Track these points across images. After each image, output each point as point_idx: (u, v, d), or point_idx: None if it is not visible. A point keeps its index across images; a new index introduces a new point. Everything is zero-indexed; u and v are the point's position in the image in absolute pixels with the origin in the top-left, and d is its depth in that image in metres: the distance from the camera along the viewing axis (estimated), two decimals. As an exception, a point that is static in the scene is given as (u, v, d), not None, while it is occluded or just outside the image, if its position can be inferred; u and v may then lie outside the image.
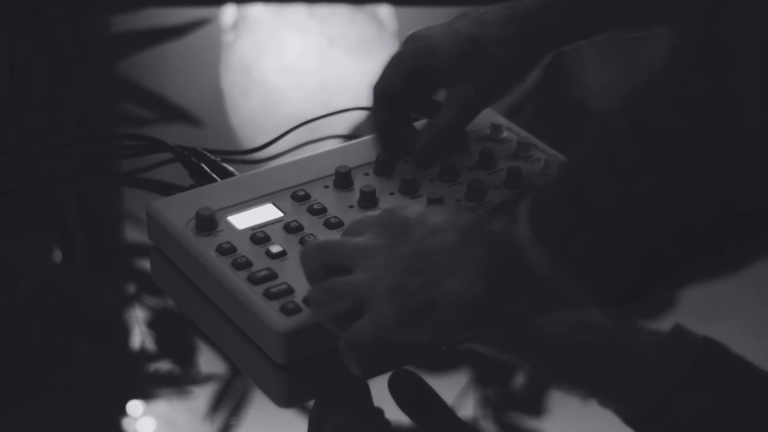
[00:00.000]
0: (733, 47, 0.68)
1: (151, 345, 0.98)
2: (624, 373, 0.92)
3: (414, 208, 0.86)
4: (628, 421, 0.88)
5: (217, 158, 1.10)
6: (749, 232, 0.73)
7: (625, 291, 0.76)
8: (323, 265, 0.87)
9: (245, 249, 0.96)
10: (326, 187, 1.03)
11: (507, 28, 1.02)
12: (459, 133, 1.06)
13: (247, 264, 0.94)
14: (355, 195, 1.02)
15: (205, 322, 0.97)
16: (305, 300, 0.91)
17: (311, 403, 0.90)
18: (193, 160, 1.10)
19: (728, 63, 0.68)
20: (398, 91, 1.03)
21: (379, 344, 0.83)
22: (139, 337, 0.99)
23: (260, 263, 0.95)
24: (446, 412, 0.90)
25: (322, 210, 1.00)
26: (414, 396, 0.91)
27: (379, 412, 0.89)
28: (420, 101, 1.06)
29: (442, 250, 0.82)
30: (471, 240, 0.81)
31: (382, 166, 1.05)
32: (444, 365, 0.94)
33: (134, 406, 0.92)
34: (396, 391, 0.90)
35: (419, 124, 1.07)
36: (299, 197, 1.02)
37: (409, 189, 1.03)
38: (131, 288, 1.07)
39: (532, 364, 0.94)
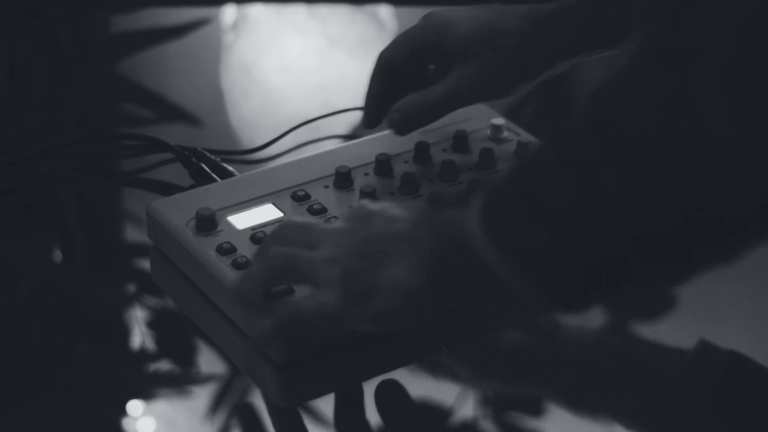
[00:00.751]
0: (697, 51, 0.68)
1: (151, 345, 0.98)
2: (647, 397, 0.91)
3: (384, 203, 0.86)
4: None
5: (217, 158, 1.10)
6: (711, 239, 0.72)
7: (569, 292, 0.75)
8: (292, 244, 0.87)
9: (245, 249, 0.96)
10: (326, 187, 1.03)
11: (526, 23, 1.00)
12: (444, 112, 1.03)
13: (247, 264, 0.94)
14: (355, 195, 1.02)
15: (205, 322, 0.97)
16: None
17: (311, 402, 0.90)
18: (193, 160, 1.10)
19: (691, 66, 0.68)
20: (404, 64, 1.02)
21: (316, 324, 0.85)
22: (139, 337, 0.99)
23: (260, 263, 0.95)
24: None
25: (322, 210, 1.01)
26: (399, 406, 0.91)
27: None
28: (422, 80, 1.04)
29: (393, 237, 0.82)
30: (421, 228, 0.81)
31: (382, 166, 1.05)
32: (444, 365, 0.94)
33: (134, 406, 0.92)
34: (381, 401, 0.90)
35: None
36: (299, 197, 1.02)
37: (409, 189, 1.03)
38: (131, 288, 1.07)
39: (550, 392, 0.92)
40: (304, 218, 0.92)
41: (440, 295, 0.81)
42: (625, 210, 0.71)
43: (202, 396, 0.92)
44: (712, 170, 0.69)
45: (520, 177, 0.76)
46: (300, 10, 1.40)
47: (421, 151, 1.07)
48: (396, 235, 0.82)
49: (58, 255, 1.10)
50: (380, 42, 1.38)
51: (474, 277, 0.78)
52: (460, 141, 1.09)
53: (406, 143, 1.08)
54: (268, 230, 0.98)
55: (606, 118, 0.72)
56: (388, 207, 0.85)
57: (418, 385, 0.92)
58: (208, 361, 0.95)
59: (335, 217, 1.00)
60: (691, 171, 0.69)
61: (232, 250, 0.96)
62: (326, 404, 0.90)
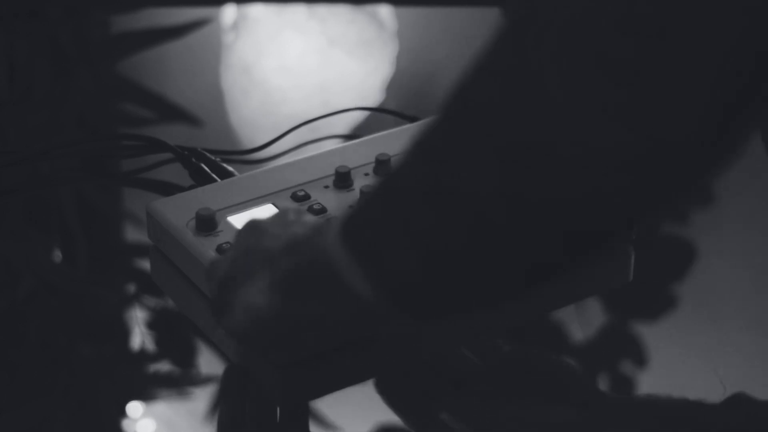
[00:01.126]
0: (539, 19, 0.65)
1: (151, 345, 0.98)
2: None
3: (288, 216, 0.85)
4: None
5: (217, 158, 1.10)
6: (557, 234, 0.68)
7: (414, 293, 0.73)
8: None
9: (245, 249, 0.96)
10: (326, 187, 1.03)
11: None
12: None
13: (247, 264, 0.94)
14: (355, 195, 1.02)
15: (205, 322, 0.97)
16: None
17: (311, 402, 0.90)
18: (193, 160, 1.10)
19: (533, 35, 0.65)
20: None
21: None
22: (139, 337, 0.99)
23: (260, 263, 0.95)
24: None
25: (322, 210, 1.00)
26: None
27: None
28: None
29: (260, 253, 0.81)
30: (287, 248, 0.80)
31: (382, 166, 1.05)
32: (444, 365, 0.94)
33: (134, 407, 0.92)
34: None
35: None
36: (299, 197, 1.02)
37: (409, 189, 1.03)
38: (131, 288, 1.07)
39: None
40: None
41: (288, 319, 0.80)
42: (462, 192, 0.68)
43: (201, 397, 0.92)
44: (553, 150, 0.65)
45: (379, 195, 0.74)
46: (300, 10, 1.40)
47: (421, 151, 1.07)
48: (263, 253, 0.81)
49: (58, 255, 1.10)
50: (380, 42, 1.38)
51: (329, 294, 0.76)
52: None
53: (406, 143, 1.08)
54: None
55: (458, 94, 0.69)
56: (283, 223, 0.83)
57: (419, 385, 0.92)
58: (208, 362, 0.95)
59: (335, 217, 0.99)
60: (532, 148, 0.66)
61: (232, 250, 0.96)
62: (326, 404, 0.90)
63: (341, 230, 0.74)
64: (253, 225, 0.84)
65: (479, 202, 0.68)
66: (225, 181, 1.05)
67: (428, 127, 0.71)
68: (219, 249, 0.95)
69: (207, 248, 0.96)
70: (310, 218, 0.84)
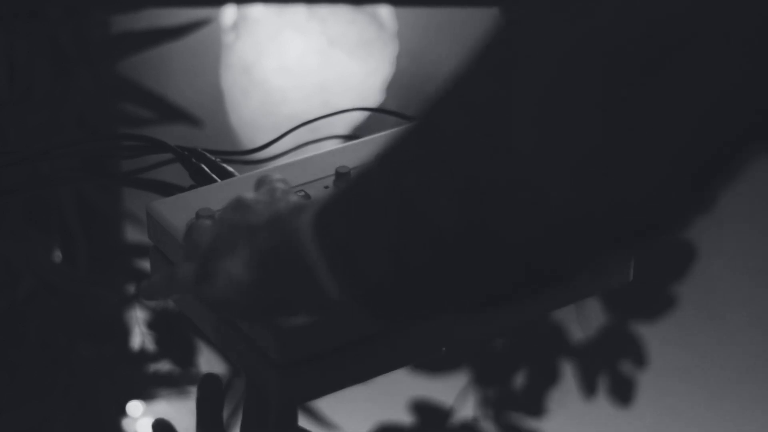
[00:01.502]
0: (522, 58, 0.64)
1: (151, 345, 0.98)
2: None
3: (275, 193, 0.86)
4: None
5: (217, 158, 1.10)
6: (511, 267, 0.68)
7: (379, 297, 0.73)
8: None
9: (245, 249, 0.96)
10: (326, 187, 1.03)
11: None
12: None
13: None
14: (355, 195, 1.02)
15: (205, 323, 0.97)
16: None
17: (311, 402, 0.90)
18: (193, 160, 1.10)
19: (513, 73, 0.65)
20: None
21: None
22: (139, 337, 0.99)
23: (260, 263, 0.94)
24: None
25: (322, 210, 1.00)
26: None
27: None
28: None
29: (244, 227, 0.82)
30: (266, 224, 0.81)
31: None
32: (444, 365, 0.94)
33: (134, 407, 0.92)
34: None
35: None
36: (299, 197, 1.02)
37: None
38: (131, 288, 1.07)
39: None
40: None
41: (265, 293, 0.81)
42: (423, 212, 0.68)
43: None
44: (513, 189, 0.65)
45: (353, 189, 0.74)
46: (300, 10, 1.40)
47: (421, 151, 1.07)
48: (246, 227, 0.82)
49: (58, 255, 1.10)
50: (380, 42, 1.38)
51: (295, 272, 0.77)
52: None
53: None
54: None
55: (430, 115, 0.69)
56: (269, 200, 0.84)
57: (418, 385, 0.92)
58: (208, 361, 0.95)
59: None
60: (493, 184, 0.65)
61: (232, 250, 0.96)
62: (326, 404, 0.90)
63: (313, 221, 0.75)
64: (239, 201, 0.85)
65: (439, 225, 0.68)
66: (225, 181, 1.05)
67: (403, 133, 0.71)
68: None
69: (207, 248, 0.96)
70: (293, 197, 0.85)
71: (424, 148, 0.69)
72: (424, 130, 0.70)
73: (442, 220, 0.67)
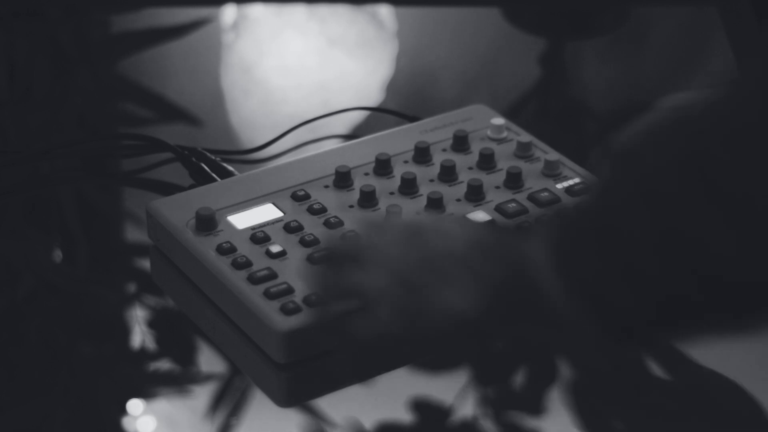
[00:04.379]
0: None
1: (151, 344, 0.98)
2: None
3: (430, 215, 0.85)
4: None
5: (217, 158, 1.10)
6: None
7: (631, 328, 0.74)
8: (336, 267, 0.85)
9: (245, 249, 0.96)
10: (326, 187, 1.03)
11: None
12: None
13: (247, 264, 0.94)
14: (355, 195, 1.03)
15: (205, 322, 0.97)
16: (306, 299, 0.91)
17: (311, 403, 0.90)
18: (193, 160, 1.10)
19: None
20: None
21: (375, 344, 0.82)
22: (139, 336, 0.99)
23: (260, 263, 0.95)
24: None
25: (322, 210, 1.01)
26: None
27: None
28: None
29: (448, 256, 0.79)
30: (479, 252, 0.79)
31: (382, 166, 1.05)
32: (444, 365, 0.94)
33: (134, 405, 0.92)
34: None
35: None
36: (299, 197, 1.02)
37: (409, 189, 1.03)
38: (131, 288, 1.07)
39: None
40: (351, 234, 0.89)
41: (497, 324, 0.79)
42: (700, 248, 0.68)
43: (202, 395, 0.92)
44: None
45: (593, 209, 0.73)
46: (300, 10, 1.40)
47: (421, 151, 1.07)
48: (451, 256, 0.79)
49: (58, 255, 1.10)
50: (380, 42, 1.38)
51: (534, 310, 0.76)
52: (460, 141, 1.09)
53: (405, 143, 1.08)
54: (268, 230, 0.98)
55: (695, 151, 0.68)
56: (438, 220, 0.84)
57: (419, 385, 0.92)
58: (208, 361, 0.95)
59: (335, 217, 0.99)
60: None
61: (232, 250, 0.96)
62: (326, 404, 0.90)
63: (554, 264, 0.74)
64: (412, 227, 0.82)
65: (715, 262, 0.68)
66: (225, 181, 1.05)
67: (649, 173, 0.70)
68: (219, 249, 0.95)
69: (207, 248, 0.96)
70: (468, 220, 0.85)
71: (690, 183, 0.68)
72: (688, 164, 0.68)
73: (722, 258, 0.68)
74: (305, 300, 0.91)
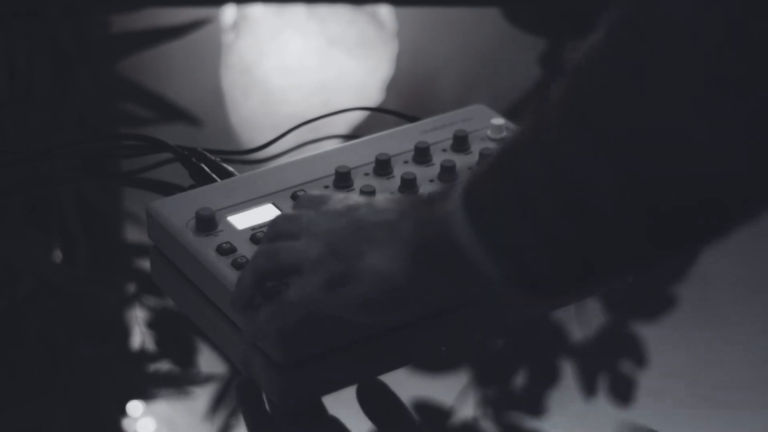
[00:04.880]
0: (665, 21, 0.66)
1: (151, 345, 0.98)
2: None
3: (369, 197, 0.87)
4: None
5: (217, 158, 1.10)
6: (673, 238, 0.71)
7: (553, 287, 0.75)
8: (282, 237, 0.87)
9: (245, 249, 0.96)
10: (326, 187, 1.03)
11: None
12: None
13: (247, 264, 0.94)
14: (355, 195, 1.02)
15: (205, 322, 0.97)
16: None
17: (311, 403, 0.90)
18: (193, 160, 1.10)
19: (657, 36, 0.66)
20: None
21: (301, 313, 0.85)
22: (139, 337, 0.99)
23: (260, 263, 0.95)
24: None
25: (322, 210, 1.00)
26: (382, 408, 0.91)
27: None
28: None
29: (376, 225, 0.82)
30: (404, 218, 0.81)
31: (382, 166, 1.05)
32: (444, 365, 0.94)
33: (134, 406, 0.92)
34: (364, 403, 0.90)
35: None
36: (299, 197, 1.02)
37: (409, 189, 1.03)
38: (131, 288, 1.07)
39: None
40: (296, 209, 0.91)
41: (420, 286, 0.81)
42: (577, 179, 0.70)
43: (202, 396, 0.92)
44: (671, 151, 0.67)
45: (497, 157, 0.75)
46: (300, 10, 1.40)
47: (421, 151, 1.07)
48: (380, 225, 0.82)
49: (58, 255, 1.10)
50: (380, 42, 1.38)
51: (455, 270, 0.77)
52: (460, 141, 1.09)
53: (405, 143, 1.08)
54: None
55: (572, 90, 0.70)
56: (374, 199, 0.86)
57: (419, 385, 0.92)
58: (208, 361, 0.95)
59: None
60: (645, 145, 0.67)
61: (232, 250, 0.96)
62: (326, 404, 0.90)
63: (462, 205, 0.75)
64: (348, 202, 0.85)
65: (594, 192, 0.69)
66: (225, 181, 1.05)
67: (541, 109, 0.72)
68: (219, 249, 0.95)
69: (207, 248, 0.96)
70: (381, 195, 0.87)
71: (570, 124, 0.70)
72: (566, 104, 0.70)
73: (600, 185, 0.69)
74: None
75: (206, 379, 0.94)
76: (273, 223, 0.89)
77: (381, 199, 0.85)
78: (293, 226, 0.87)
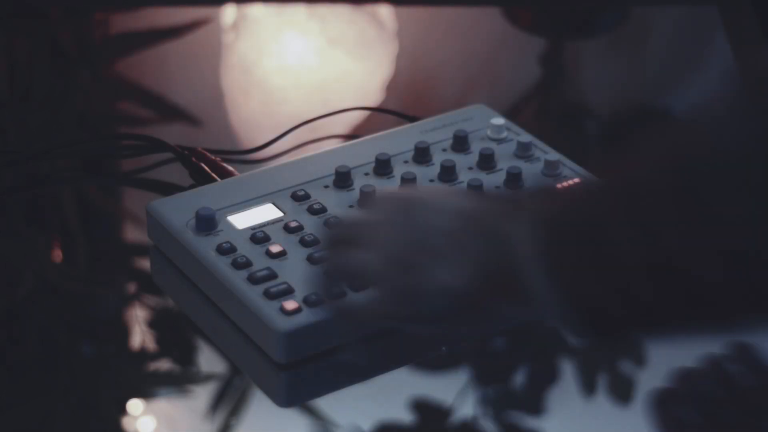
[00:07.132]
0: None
1: (151, 344, 0.98)
2: None
3: (421, 186, 0.86)
4: None
5: (217, 158, 1.10)
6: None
7: (613, 332, 0.75)
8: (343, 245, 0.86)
9: (245, 249, 0.96)
10: (326, 187, 1.03)
11: None
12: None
13: (247, 264, 0.94)
14: (355, 195, 1.03)
15: (205, 322, 0.97)
16: (306, 299, 0.91)
17: (311, 402, 0.90)
18: (193, 160, 1.10)
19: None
20: None
21: (371, 322, 0.85)
22: (139, 336, 0.99)
23: (260, 263, 0.95)
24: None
25: (322, 210, 1.01)
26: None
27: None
28: None
29: (440, 233, 0.80)
30: (470, 228, 0.80)
31: (382, 166, 1.05)
32: (444, 365, 0.94)
33: (134, 405, 0.92)
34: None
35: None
36: (299, 197, 1.02)
37: (409, 189, 1.03)
38: (131, 288, 1.07)
39: None
40: (348, 215, 0.90)
41: (483, 301, 0.80)
42: (691, 277, 0.71)
43: (202, 395, 0.92)
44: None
45: (584, 214, 0.75)
46: (300, 10, 1.40)
47: (421, 151, 1.07)
48: (441, 232, 0.80)
49: (58, 255, 1.10)
50: (380, 42, 1.38)
51: (515, 289, 0.77)
52: (460, 141, 1.09)
53: (405, 143, 1.08)
54: (268, 230, 0.98)
55: (697, 192, 0.70)
56: (427, 193, 0.84)
57: (418, 384, 0.92)
58: (208, 361, 0.95)
59: (335, 217, 0.99)
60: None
61: (232, 249, 0.96)
62: (326, 404, 0.90)
63: (539, 246, 0.75)
64: (403, 202, 0.83)
65: (699, 284, 0.70)
66: (225, 181, 1.05)
67: (645, 198, 0.72)
68: (219, 249, 0.95)
69: (207, 248, 0.96)
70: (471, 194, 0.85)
71: (688, 220, 0.70)
72: (688, 202, 0.71)
73: (707, 282, 0.70)
74: (305, 300, 0.91)
75: (206, 378, 0.94)
76: (332, 235, 0.88)
77: (436, 191, 0.83)
78: (348, 234, 0.85)
